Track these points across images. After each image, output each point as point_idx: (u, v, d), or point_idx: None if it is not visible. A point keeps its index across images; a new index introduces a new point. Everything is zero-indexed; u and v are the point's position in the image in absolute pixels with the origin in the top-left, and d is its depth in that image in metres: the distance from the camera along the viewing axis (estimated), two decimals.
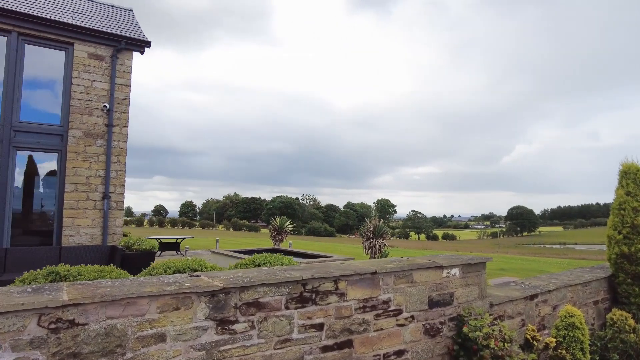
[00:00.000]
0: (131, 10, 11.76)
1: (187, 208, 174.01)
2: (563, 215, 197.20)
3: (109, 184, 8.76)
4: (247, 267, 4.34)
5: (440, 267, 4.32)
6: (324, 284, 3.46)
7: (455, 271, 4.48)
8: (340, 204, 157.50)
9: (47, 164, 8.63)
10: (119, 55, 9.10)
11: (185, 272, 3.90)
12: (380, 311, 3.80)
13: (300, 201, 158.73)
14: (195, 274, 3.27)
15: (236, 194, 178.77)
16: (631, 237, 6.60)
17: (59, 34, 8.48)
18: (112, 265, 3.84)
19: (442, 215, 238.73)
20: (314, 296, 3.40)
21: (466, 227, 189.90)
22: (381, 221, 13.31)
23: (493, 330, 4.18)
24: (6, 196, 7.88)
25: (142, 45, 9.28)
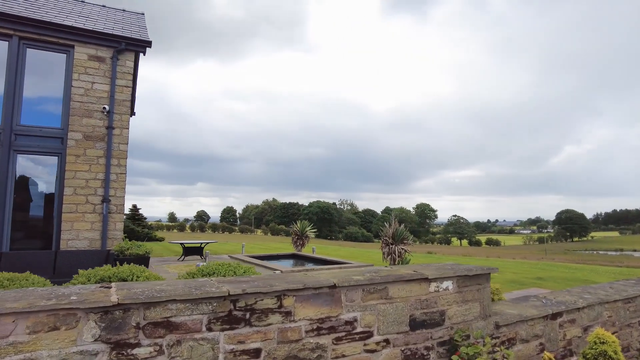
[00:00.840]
0: (142, 14, 11.72)
1: (228, 213, 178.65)
2: (619, 220, 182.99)
3: (108, 187, 8.59)
4: (194, 276, 3.80)
5: (426, 280, 3.55)
6: (262, 300, 2.83)
7: (448, 284, 3.69)
8: (379, 209, 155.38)
9: (49, 167, 8.58)
10: (120, 57, 8.95)
11: (111, 280, 3.42)
12: (342, 334, 3.11)
13: (338, 206, 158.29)
14: (106, 285, 2.75)
15: (274, 199, 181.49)
16: None
17: (59, 36, 8.45)
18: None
19: (485, 220, 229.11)
20: (248, 315, 2.77)
21: (511, 232, 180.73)
22: (402, 225, 12.40)
23: None
24: (6, 200, 7.87)
25: (142, 45, 9.10)
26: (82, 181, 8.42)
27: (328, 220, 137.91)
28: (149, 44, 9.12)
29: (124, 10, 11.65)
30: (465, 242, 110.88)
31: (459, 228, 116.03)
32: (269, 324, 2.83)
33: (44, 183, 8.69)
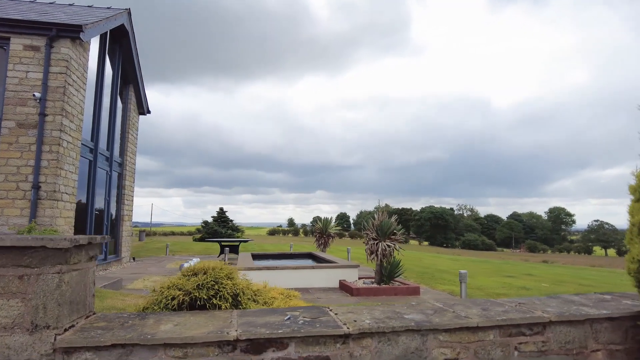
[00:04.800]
0: (125, 9, 11.85)
1: (342, 219, 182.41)
2: None
3: (38, 174, 8.60)
4: None
5: None
6: None
7: None
8: (505, 215, 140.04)
9: None
10: (54, 44, 9.00)
11: None
12: None
13: (455, 212, 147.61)
14: None
15: (387, 205, 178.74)
16: None
17: None
18: None
19: None
20: None
21: None
22: (392, 218, 9.95)
23: None
24: None
25: (75, 30, 9.01)
26: (14, 168, 8.59)
27: (443, 227, 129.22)
28: (80, 27, 9.00)
29: (108, 8, 11.96)
30: (612, 251, 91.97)
31: (602, 235, 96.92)
32: None
33: None
